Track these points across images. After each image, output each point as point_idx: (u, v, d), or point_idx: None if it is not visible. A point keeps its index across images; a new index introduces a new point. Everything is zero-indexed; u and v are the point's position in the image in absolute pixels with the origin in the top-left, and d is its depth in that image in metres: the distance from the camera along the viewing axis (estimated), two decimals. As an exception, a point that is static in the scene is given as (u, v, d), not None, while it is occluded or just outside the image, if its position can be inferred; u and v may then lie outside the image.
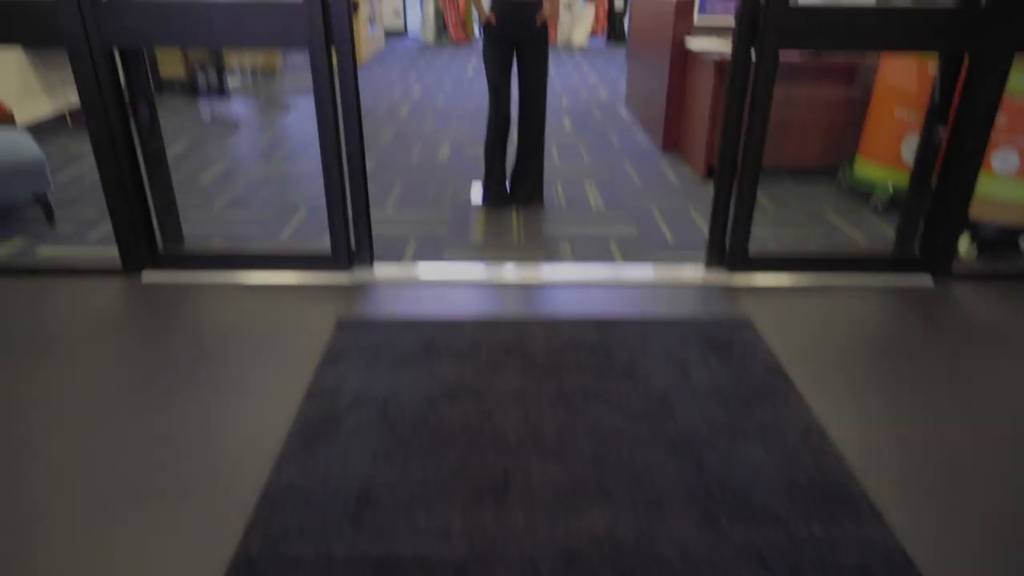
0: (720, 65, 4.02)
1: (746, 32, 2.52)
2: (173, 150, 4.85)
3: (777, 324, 2.55)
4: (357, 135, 2.61)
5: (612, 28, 10.86)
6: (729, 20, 4.45)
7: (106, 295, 2.71)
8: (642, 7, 5.64)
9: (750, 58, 2.56)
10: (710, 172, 4.34)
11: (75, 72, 2.48)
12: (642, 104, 5.72)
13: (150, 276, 2.83)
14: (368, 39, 9.02)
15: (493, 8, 3.63)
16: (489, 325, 2.48)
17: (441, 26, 10.58)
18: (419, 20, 10.95)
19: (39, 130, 4.99)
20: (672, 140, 4.90)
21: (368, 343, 2.34)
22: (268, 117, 5.95)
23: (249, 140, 5.21)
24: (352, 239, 2.83)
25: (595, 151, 4.98)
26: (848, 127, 4.28)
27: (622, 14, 10.80)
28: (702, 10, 4.38)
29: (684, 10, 4.46)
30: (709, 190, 4.16)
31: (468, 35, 10.71)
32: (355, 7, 7.90)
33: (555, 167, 4.59)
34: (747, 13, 2.50)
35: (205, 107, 6.22)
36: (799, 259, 2.90)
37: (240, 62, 7.77)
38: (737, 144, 2.70)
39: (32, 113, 5.02)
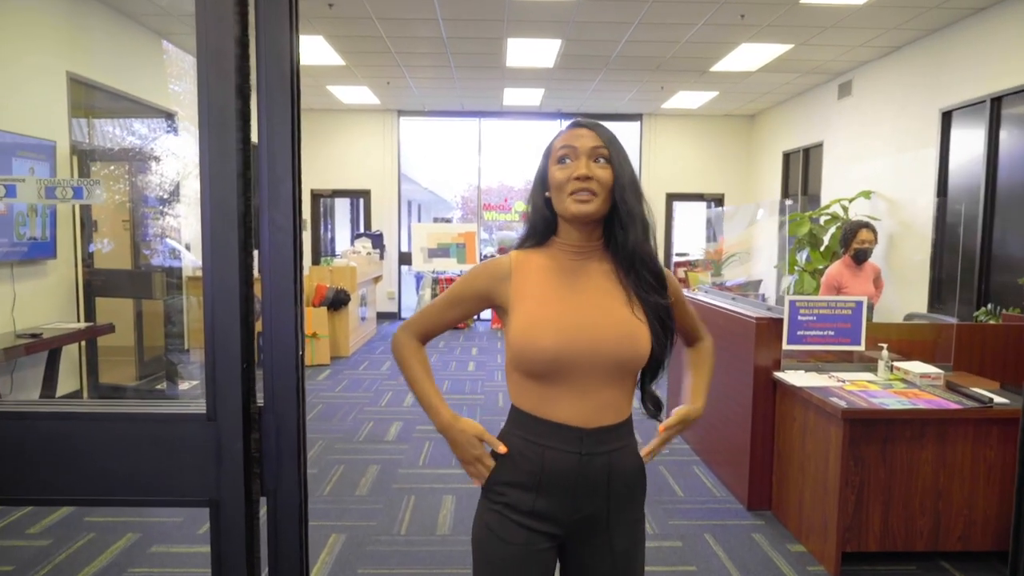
0: (853, 419, 2.84)
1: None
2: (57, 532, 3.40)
3: None
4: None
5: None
6: (826, 347, 3.40)
7: None
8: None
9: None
10: (843, 561, 2.94)
11: None
12: (698, 431, 4.50)
13: None
14: (357, 328, 8.17)
15: (505, 435, 1.47)
16: None
17: (437, 310, 9.94)
18: (415, 303, 10.34)
19: None
20: (762, 497, 3.56)
21: None
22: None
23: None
24: None
25: (658, 510, 3.58)
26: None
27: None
28: (792, 340, 3.34)
29: (769, 334, 3.44)
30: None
31: (467, 322, 10.03)
32: (345, 301, 7.11)
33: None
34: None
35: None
36: None
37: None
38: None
39: None
